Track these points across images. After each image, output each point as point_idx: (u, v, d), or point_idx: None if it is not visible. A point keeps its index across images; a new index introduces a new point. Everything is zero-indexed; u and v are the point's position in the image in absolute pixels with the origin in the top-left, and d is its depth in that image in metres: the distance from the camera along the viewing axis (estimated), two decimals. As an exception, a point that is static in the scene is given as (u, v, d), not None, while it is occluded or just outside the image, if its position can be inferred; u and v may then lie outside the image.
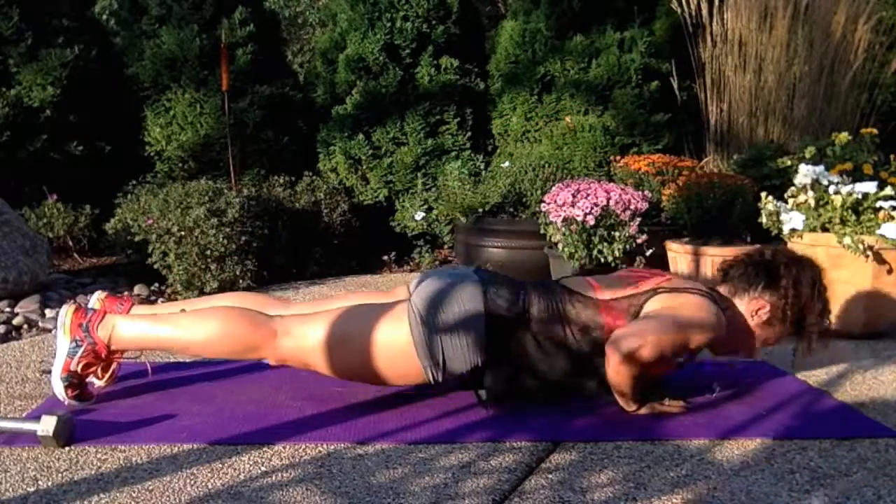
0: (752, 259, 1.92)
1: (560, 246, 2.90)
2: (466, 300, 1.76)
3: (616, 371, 1.72)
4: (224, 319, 1.80)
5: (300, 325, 1.79)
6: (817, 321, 1.86)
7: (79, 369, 1.80)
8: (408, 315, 1.76)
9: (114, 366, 1.93)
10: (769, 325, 1.88)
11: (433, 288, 1.80)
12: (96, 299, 2.05)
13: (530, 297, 1.80)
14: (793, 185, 2.67)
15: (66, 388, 1.79)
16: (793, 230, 2.60)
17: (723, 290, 1.92)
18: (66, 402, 1.80)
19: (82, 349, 1.80)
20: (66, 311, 1.84)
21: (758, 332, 1.90)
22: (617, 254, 2.79)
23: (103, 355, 1.83)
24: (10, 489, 1.40)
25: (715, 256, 2.82)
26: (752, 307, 1.87)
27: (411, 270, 4.16)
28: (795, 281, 1.85)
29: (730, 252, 2.83)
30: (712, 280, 1.98)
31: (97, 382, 1.94)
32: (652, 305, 1.78)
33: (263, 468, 1.50)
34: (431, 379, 1.78)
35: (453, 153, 4.41)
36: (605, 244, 2.80)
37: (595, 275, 1.95)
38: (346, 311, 1.80)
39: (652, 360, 1.70)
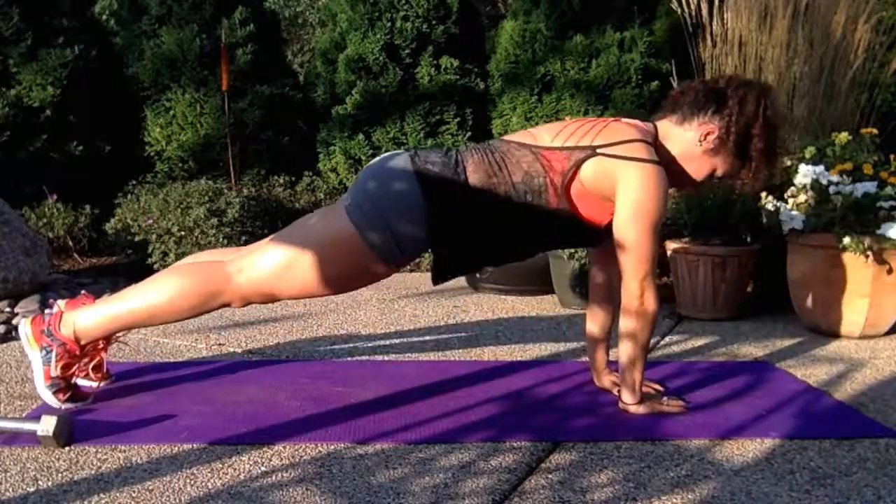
0: (704, 86, 1.85)
1: (560, 246, 2.90)
2: (396, 169, 1.75)
3: (637, 330, 1.74)
4: (177, 274, 1.78)
5: (248, 257, 1.78)
6: (760, 139, 1.78)
7: (59, 372, 1.78)
8: (346, 209, 1.74)
9: (99, 359, 1.91)
10: (718, 152, 1.81)
11: (363, 175, 1.80)
12: (58, 307, 2.03)
13: (463, 154, 1.79)
14: (793, 185, 2.67)
15: (54, 394, 1.78)
16: (793, 230, 2.60)
17: (672, 119, 1.86)
18: (61, 408, 1.79)
19: (54, 353, 1.78)
20: (25, 324, 1.82)
21: (705, 159, 1.83)
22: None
23: (77, 352, 1.80)
24: (10, 489, 1.40)
25: (715, 256, 2.83)
26: (702, 132, 1.80)
27: (411, 270, 4.16)
28: (741, 100, 1.78)
29: (730, 252, 2.83)
30: (661, 117, 1.92)
31: (92, 384, 1.93)
32: (591, 168, 1.74)
33: (263, 468, 1.50)
34: (388, 259, 1.75)
35: (453, 153, 4.41)
36: (605, 244, 2.79)
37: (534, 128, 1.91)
38: (287, 229, 1.79)
39: (654, 248, 1.73)
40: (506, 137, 1.86)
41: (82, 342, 1.81)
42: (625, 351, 1.77)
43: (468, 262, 1.85)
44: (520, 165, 1.76)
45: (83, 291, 1.86)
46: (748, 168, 1.82)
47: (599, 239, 1.88)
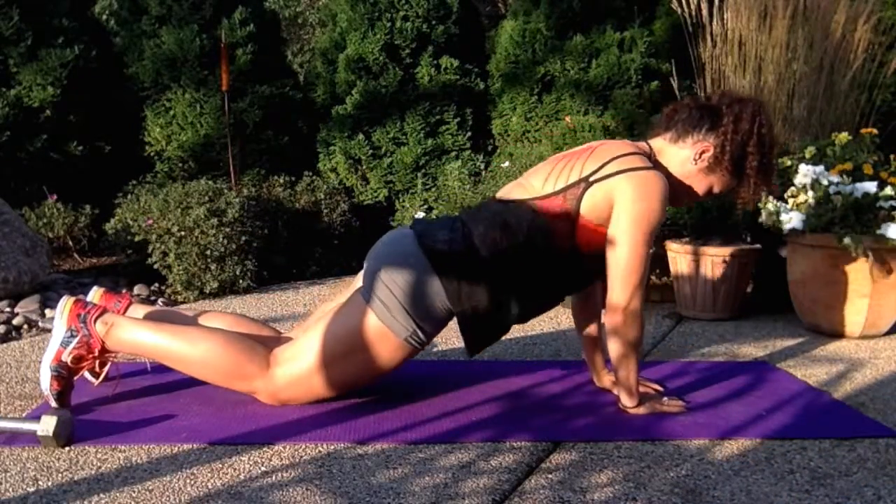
0: (697, 103, 1.86)
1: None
2: (407, 254, 1.77)
3: (621, 328, 1.72)
4: (225, 342, 1.79)
5: (285, 351, 1.81)
6: (755, 157, 1.78)
7: (69, 360, 1.77)
8: (366, 302, 1.77)
9: (108, 365, 1.92)
10: (713, 171, 1.81)
11: (373, 263, 1.81)
12: (93, 295, 2.04)
13: (468, 225, 1.80)
14: (793, 185, 2.67)
15: (52, 378, 1.76)
16: (793, 230, 2.60)
17: (667, 137, 1.86)
18: (46, 394, 1.77)
19: (77, 339, 1.78)
20: (66, 302, 1.83)
21: (702, 177, 1.83)
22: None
23: (96, 350, 1.80)
24: (10, 489, 1.40)
25: (715, 256, 2.83)
26: (697, 150, 1.80)
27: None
28: (736, 117, 1.78)
29: (730, 252, 2.83)
30: (656, 135, 1.92)
31: (93, 379, 1.94)
32: (589, 200, 1.74)
33: (263, 468, 1.50)
34: (416, 343, 1.78)
35: (453, 153, 4.41)
36: (605, 244, 2.79)
37: (524, 175, 1.90)
38: (320, 329, 1.80)
39: (644, 269, 1.71)
40: (501, 196, 1.85)
41: (107, 345, 1.81)
42: (615, 356, 1.76)
43: (496, 329, 1.84)
44: (522, 224, 1.76)
45: (124, 291, 1.87)
46: (746, 185, 1.82)
47: None
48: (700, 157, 1.81)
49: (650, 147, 1.86)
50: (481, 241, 1.76)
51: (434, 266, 1.75)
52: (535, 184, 1.82)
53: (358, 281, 1.95)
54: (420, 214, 4.22)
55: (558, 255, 1.77)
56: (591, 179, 1.74)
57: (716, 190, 1.85)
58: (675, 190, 1.85)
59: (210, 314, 2.02)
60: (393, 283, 1.75)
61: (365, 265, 1.85)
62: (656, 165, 1.82)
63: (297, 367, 1.78)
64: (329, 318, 1.82)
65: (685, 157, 1.82)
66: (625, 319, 1.72)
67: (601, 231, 1.76)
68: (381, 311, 1.75)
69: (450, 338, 2.58)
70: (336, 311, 1.83)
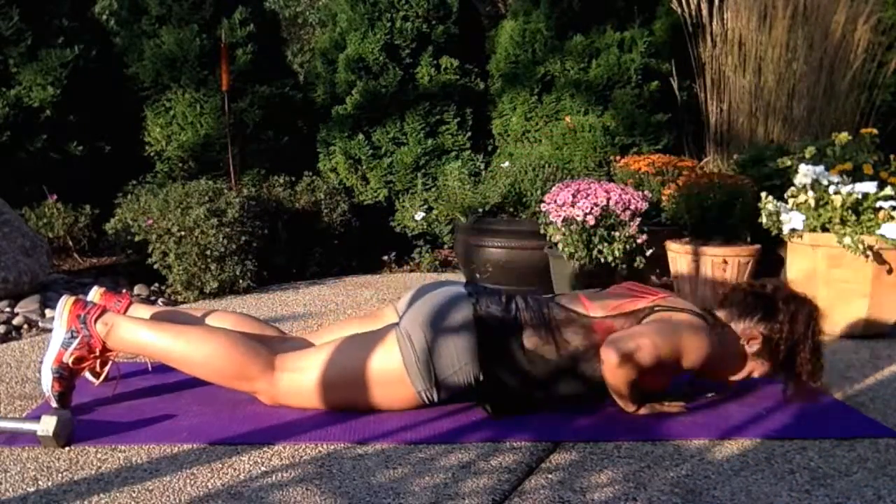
0: (753, 289, 1.91)
1: (560, 246, 2.90)
2: (457, 315, 1.77)
3: (613, 374, 1.71)
4: (227, 343, 1.79)
5: (296, 360, 1.80)
6: (808, 361, 1.82)
7: (70, 362, 1.77)
8: (398, 342, 1.76)
9: (109, 365, 1.92)
10: (757, 358, 1.86)
11: (423, 310, 1.79)
12: (94, 295, 2.04)
13: (521, 310, 1.80)
14: (793, 185, 2.67)
15: (54, 380, 1.76)
16: (793, 230, 2.60)
17: (720, 314, 1.90)
18: (47, 396, 1.77)
19: (77, 340, 1.77)
20: (65, 302, 1.82)
21: (746, 360, 1.87)
22: (617, 254, 2.79)
23: (97, 350, 1.79)
24: (10, 489, 1.40)
25: (715, 256, 2.83)
26: (745, 336, 1.85)
27: (411, 270, 4.16)
28: (792, 317, 1.83)
29: (730, 252, 2.83)
30: (711, 299, 1.97)
31: (93, 379, 1.94)
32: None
33: (263, 468, 1.50)
34: (426, 400, 1.78)
35: (453, 153, 4.41)
36: (605, 244, 2.79)
37: (587, 290, 1.93)
38: (337, 346, 1.80)
39: (648, 365, 1.69)
40: (562, 302, 1.85)
41: (108, 345, 1.81)
42: (612, 391, 1.78)
43: (513, 405, 1.83)
44: (574, 335, 1.77)
45: (124, 290, 1.87)
46: (793, 382, 1.86)
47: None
48: (748, 343, 1.85)
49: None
50: (531, 333, 1.77)
51: (478, 335, 1.75)
52: (597, 308, 1.82)
53: (387, 313, 1.95)
54: (420, 215, 4.22)
55: (594, 376, 1.78)
56: (657, 309, 1.78)
57: (755, 374, 1.89)
58: (717, 362, 1.85)
59: (215, 314, 2.02)
60: (432, 335, 1.74)
61: (410, 302, 1.84)
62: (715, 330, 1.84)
63: (303, 379, 1.78)
64: (349, 341, 1.81)
65: (733, 338, 1.87)
66: (615, 378, 1.73)
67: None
68: (409, 358, 1.74)
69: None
70: (360, 336, 1.82)
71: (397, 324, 1.81)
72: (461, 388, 1.78)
